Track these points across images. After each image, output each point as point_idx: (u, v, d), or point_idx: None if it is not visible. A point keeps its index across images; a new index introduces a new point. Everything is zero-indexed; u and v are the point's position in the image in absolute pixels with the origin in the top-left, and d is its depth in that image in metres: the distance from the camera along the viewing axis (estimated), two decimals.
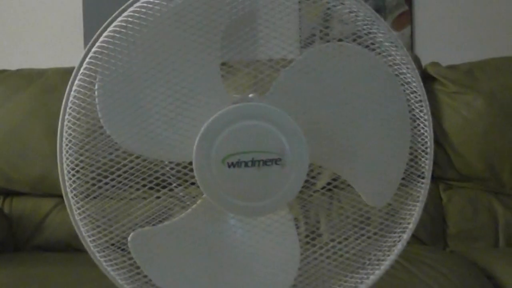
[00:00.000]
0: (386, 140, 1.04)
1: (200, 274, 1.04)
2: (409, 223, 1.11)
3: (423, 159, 1.09)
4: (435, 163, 1.10)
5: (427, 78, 2.19)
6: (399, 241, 1.11)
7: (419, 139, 1.09)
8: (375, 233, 1.11)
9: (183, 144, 0.98)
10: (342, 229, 1.10)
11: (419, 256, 1.80)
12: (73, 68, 1.02)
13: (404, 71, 1.06)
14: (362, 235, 1.10)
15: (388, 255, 1.11)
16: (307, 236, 1.12)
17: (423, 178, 1.10)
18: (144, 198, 1.08)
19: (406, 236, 1.10)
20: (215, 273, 1.04)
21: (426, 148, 1.09)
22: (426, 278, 1.65)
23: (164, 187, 1.08)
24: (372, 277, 1.10)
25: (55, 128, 1.02)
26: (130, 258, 1.04)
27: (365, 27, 1.04)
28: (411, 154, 1.08)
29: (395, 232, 1.11)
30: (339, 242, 1.09)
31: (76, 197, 1.03)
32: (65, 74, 1.03)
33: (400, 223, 1.11)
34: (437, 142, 2.08)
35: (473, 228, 2.10)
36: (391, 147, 1.05)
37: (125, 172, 1.03)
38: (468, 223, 2.10)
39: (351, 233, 1.10)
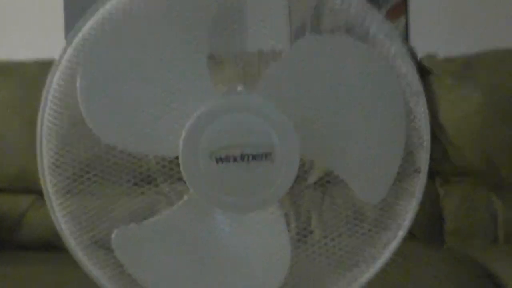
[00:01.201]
0: (381, 134, 1.04)
1: (187, 273, 1.05)
2: (404, 219, 1.11)
3: (419, 153, 1.10)
4: (431, 157, 1.10)
5: (423, 71, 2.20)
6: (394, 238, 1.11)
7: (415, 133, 1.09)
8: (369, 230, 1.11)
9: (169, 138, 0.98)
10: (334, 225, 1.10)
11: (415, 254, 1.81)
12: (53, 60, 1.01)
13: (399, 63, 1.06)
14: (356, 232, 1.10)
15: (383, 253, 1.11)
16: (298, 233, 1.12)
17: (419, 172, 1.10)
18: (128, 194, 1.08)
19: (401, 233, 1.11)
20: (202, 272, 1.05)
21: (422, 142, 1.09)
22: (422, 276, 1.65)
23: (149, 182, 1.08)
24: (366, 275, 1.10)
25: (35, 122, 1.02)
26: (114, 257, 1.03)
27: (358, 18, 1.04)
28: (406, 148, 1.08)
29: (390, 229, 1.12)
30: (332, 239, 1.09)
31: (57, 193, 1.03)
32: (45, 66, 1.02)
33: (395, 219, 1.11)
34: (433, 136, 2.08)
35: (471, 224, 2.11)
36: (386, 141, 1.05)
37: (108, 167, 1.03)
38: (466, 219, 2.11)
39: (344, 229, 1.10)
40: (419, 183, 1.11)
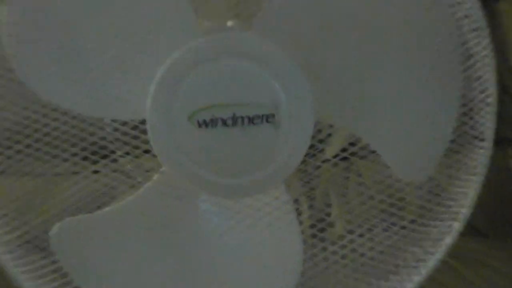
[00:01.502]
0: (425, 87, 1.03)
1: (159, 282, 1.05)
2: (462, 206, 1.11)
3: (482, 112, 1.09)
4: (501, 118, 1.09)
5: None
6: (447, 233, 1.11)
7: (476, 85, 1.08)
8: (412, 221, 1.10)
9: (132, 94, 0.97)
10: (363, 215, 1.10)
11: (476, 254, 1.81)
12: None
13: None
14: (393, 224, 1.10)
15: (432, 253, 1.11)
16: (313, 226, 1.12)
17: (482, 140, 1.10)
18: (75, 173, 1.07)
19: (457, 225, 1.10)
20: (179, 279, 1.05)
21: (487, 96, 1.08)
22: (485, 285, 1.65)
23: (104, 156, 1.07)
24: (408, 285, 1.10)
25: None
26: (54, 262, 1.03)
27: None
28: (463, 106, 1.07)
29: (441, 220, 1.11)
30: (360, 235, 1.09)
31: None
32: None
33: (449, 207, 1.11)
34: (503, 89, 2.08)
35: None
36: (433, 96, 1.04)
37: (46, 135, 1.01)
38: None
39: (377, 221, 1.10)
40: (482, 155, 1.10)
